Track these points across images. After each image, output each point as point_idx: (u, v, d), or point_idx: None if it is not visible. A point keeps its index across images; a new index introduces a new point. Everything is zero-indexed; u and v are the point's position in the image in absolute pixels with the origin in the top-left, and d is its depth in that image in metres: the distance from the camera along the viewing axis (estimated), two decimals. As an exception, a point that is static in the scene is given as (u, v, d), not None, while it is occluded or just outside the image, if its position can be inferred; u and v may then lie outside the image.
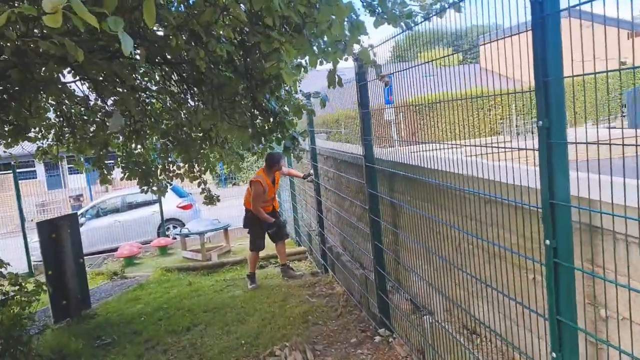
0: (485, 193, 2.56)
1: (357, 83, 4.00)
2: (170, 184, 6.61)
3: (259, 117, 4.88)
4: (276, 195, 6.87)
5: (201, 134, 5.80)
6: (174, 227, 13.14)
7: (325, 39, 3.41)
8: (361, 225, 5.03)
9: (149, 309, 5.95)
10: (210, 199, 6.52)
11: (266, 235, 6.68)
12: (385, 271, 4.17)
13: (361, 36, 3.32)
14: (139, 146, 6.32)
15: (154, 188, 6.35)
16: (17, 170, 9.69)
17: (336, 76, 3.76)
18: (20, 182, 9.90)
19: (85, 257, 11.81)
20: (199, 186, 6.43)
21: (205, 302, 5.88)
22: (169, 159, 6.37)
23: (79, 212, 13.54)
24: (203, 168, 6.41)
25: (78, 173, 6.45)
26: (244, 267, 7.51)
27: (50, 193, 25.36)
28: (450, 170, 2.95)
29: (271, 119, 4.87)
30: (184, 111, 5.67)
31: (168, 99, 5.71)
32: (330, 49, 3.45)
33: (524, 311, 2.41)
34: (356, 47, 3.48)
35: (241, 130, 4.77)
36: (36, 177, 28.09)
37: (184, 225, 12.80)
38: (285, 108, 4.89)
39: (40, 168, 27.48)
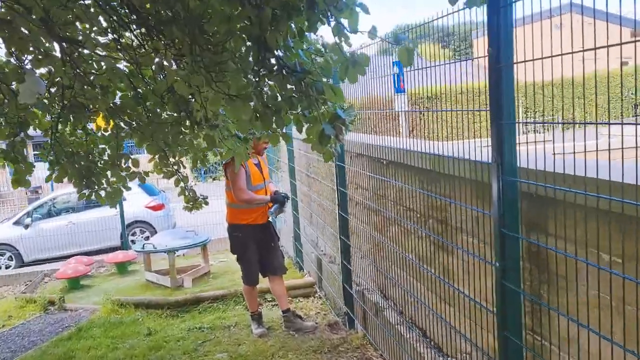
0: None
1: (488, 6, 1.94)
2: (127, 188, 4.44)
3: (269, 81, 2.75)
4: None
5: (176, 113, 3.67)
6: (142, 232, 10.93)
7: None
8: (435, 272, 2.99)
9: (80, 383, 3.82)
10: (194, 202, 4.41)
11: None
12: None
13: None
14: (77, 129, 4.23)
15: (101, 192, 4.21)
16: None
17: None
18: (-22, 169, 7.56)
19: (29, 265, 9.73)
20: (177, 185, 4.31)
21: (169, 377, 3.77)
22: (124, 149, 4.23)
23: (25, 210, 11.26)
24: (185, 159, 4.35)
25: (42, 161, 4.32)
26: (228, 306, 5.36)
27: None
28: None
29: (289, 85, 2.73)
30: (146, 77, 3.62)
31: (120, 55, 3.58)
32: None
33: None
34: None
35: (237, 103, 2.60)
36: (-3, 164, 25.54)
37: (155, 230, 10.60)
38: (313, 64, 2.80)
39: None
